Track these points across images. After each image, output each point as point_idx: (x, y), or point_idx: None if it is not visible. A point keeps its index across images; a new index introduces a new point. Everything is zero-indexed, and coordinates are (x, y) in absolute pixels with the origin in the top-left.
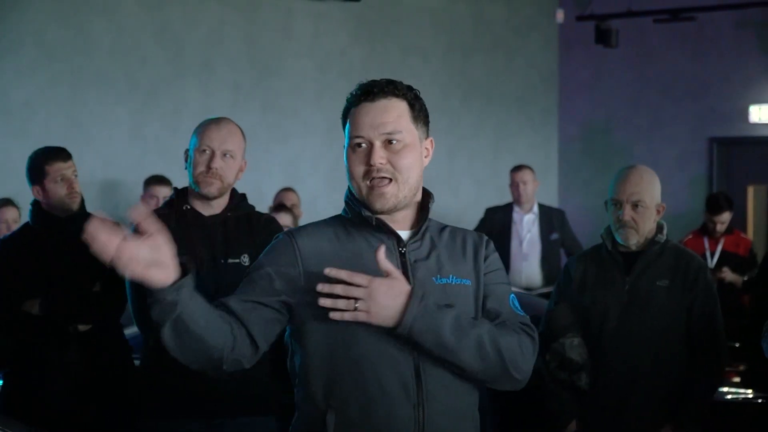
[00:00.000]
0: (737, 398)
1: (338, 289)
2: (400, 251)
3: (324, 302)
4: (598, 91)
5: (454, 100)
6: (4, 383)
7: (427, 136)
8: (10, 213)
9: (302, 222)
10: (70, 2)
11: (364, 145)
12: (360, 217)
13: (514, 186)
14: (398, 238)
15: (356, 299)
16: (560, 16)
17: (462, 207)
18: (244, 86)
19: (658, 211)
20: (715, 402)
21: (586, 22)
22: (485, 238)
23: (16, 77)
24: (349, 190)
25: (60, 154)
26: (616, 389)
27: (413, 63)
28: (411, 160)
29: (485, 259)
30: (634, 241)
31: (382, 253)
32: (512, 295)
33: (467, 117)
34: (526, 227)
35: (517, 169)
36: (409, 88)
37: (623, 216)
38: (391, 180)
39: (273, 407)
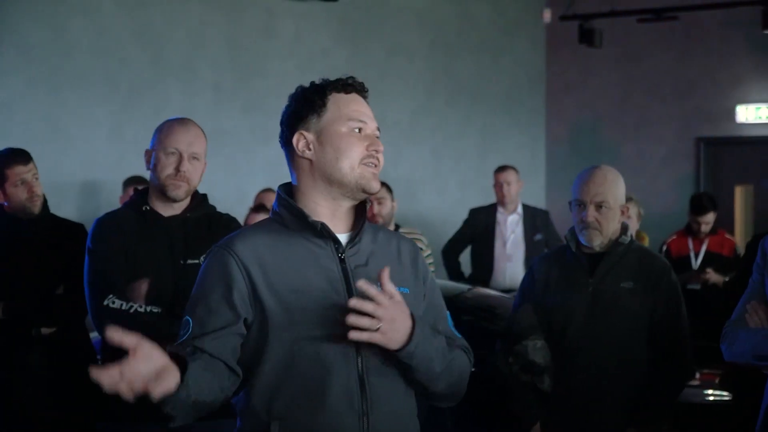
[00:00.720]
0: (718, 400)
1: (369, 307)
2: (340, 257)
3: (351, 320)
4: (585, 91)
5: (439, 100)
6: None
7: None
8: None
9: None
10: (49, 2)
11: (366, 130)
12: (299, 221)
13: (498, 186)
14: (336, 242)
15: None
16: (547, 15)
17: (448, 207)
18: (226, 87)
19: (623, 212)
20: (695, 404)
21: (570, 22)
22: (418, 246)
23: None
24: (287, 191)
25: (19, 157)
26: (580, 391)
27: (398, 63)
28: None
29: (424, 272)
30: (598, 242)
31: (386, 276)
32: (448, 313)
33: (453, 117)
34: (510, 228)
35: (501, 169)
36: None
37: (587, 217)
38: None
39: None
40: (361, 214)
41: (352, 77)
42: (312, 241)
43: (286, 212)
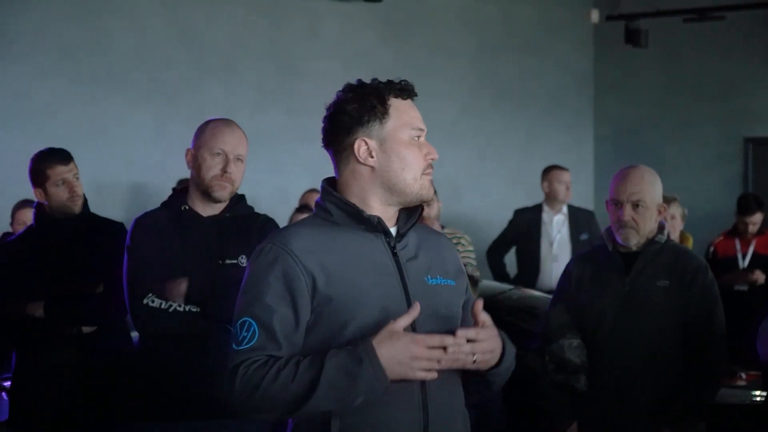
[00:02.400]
0: (764, 401)
1: (467, 348)
2: (392, 251)
3: (452, 349)
4: (630, 92)
5: (484, 100)
6: (11, 386)
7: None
8: (28, 214)
9: None
10: (92, 3)
11: (422, 138)
12: (351, 216)
13: (547, 186)
14: (388, 236)
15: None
16: (595, 15)
17: (491, 208)
18: (269, 88)
19: (660, 212)
20: (740, 405)
21: (615, 22)
22: (450, 240)
23: (36, 79)
24: (332, 189)
25: (60, 156)
26: (612, 390)
27: (441, 63)
28: None
29: (460, 264)
30: (634, 241)
31: (479, 306)
32: None
33: (498, 117)
34: (556, 228)
35: (560, 169)
36: None
37: (623, 216)
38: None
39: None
40: (406, 210)
41: (405, 81)
42: (363, 236)
43: (335, 208)
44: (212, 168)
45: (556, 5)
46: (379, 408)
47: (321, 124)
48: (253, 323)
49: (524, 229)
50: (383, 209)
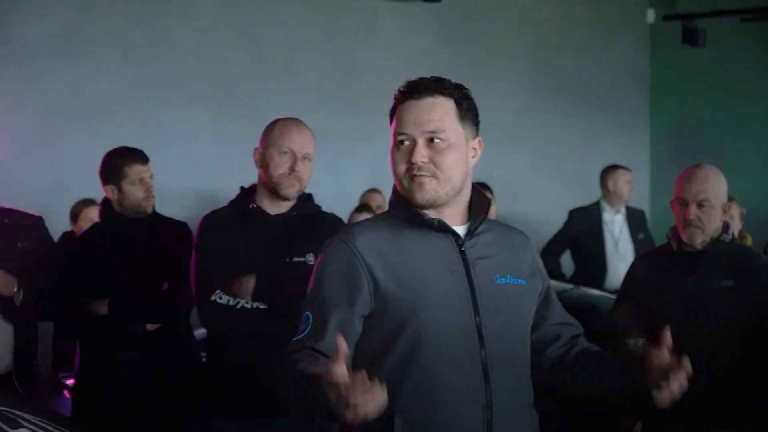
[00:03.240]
0: None
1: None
2: (460, 249)
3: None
4: (687, 91)
5: (540, 100)
6: (75, 384)
7: (476, 136)
8: (93, 212)
9: None
10: (151, 4)
11: (407, 142)
12: (417, 216)
13: (608, 186)
14: (456, 236)
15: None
16: (651, 15)
17: (548, 208)
18: (327, 87)
19: (725, 211)
20: None
21: (672, 22)
22: (528, 237)
23: (96, 79)
24: (396, 188)
25: (139, 156)
26: None
27: (499, 63)
28: (454, 160)
29: (535, 263)
30: (699, 240)
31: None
32: None
33: (554, 117)
34: (619, 227)
35: (612, 169)
36: (458, 86)
37: (689, 215)
38: (431, 177)
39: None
40: (478, 207)
41: (408, 83)
42: (432, 234)
43: (401, 207)
44: (280, 166)
45: (612, 5)
46: (443, 406)
47: (378, 124)
48: (310, 317)
49: (584, 229)
50: (447, 207)
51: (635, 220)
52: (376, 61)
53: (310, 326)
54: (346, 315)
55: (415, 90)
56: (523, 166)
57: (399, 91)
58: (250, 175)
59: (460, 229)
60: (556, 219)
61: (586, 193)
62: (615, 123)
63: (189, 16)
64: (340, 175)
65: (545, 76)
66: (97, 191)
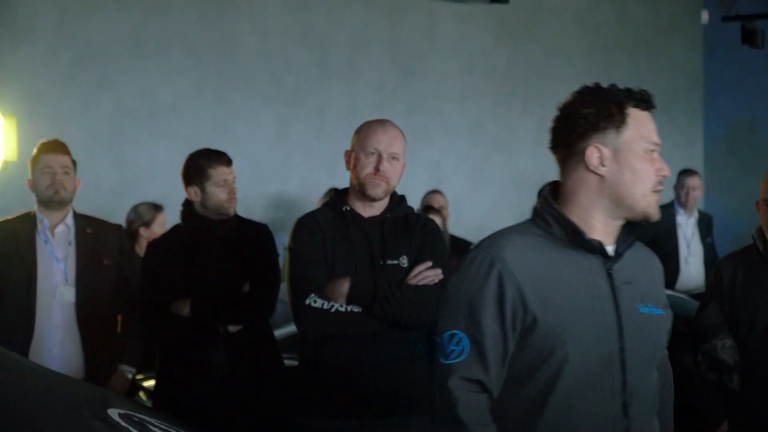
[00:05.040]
0: None
1: None
2: (608, 272)
3: None
4: (742, 92)
5: None
6: (156, 384)
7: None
8: (163, 218)
9: (450, 224)
10: (216, 5)
11: (653, 152)
12: (577, 235)
13: (685, 190)
14: (604, 254)
15: None
16: (705, 16)
17: None
18: (389, 87)
19: None
20: None
21: (730, 23)
22: (660, 261)
23: (163, 80)
24: (552, 200)
25: (224, 158)
26: (765, 390)
27: (556, 63)
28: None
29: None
30: None
31: None
32: None
33: None
34: (691, 230)
35: (691, 174)
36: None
37: None
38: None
39: (428, 408)
40: (626, 228)
41: (645, 91)
42: (581, 254)
43: (557, 226)
44: (366, 167)
45: (668, 6)
46: (580, 402)
47: (437, 124)
48: (464, 338)
49: (663, 229)
50: (606, 222)
51: (705, 224)
52: (436, 61)
53: (467, 350)
54: (499, 339)
55: (654, 104)
56: None
57: (636, 95)
58: (313, 175)
59: (609, 250)
60: None
61: None
62: (669, 123)
63: (252, 17)
64: None
65: (602, 76)
66: (165, 191)
